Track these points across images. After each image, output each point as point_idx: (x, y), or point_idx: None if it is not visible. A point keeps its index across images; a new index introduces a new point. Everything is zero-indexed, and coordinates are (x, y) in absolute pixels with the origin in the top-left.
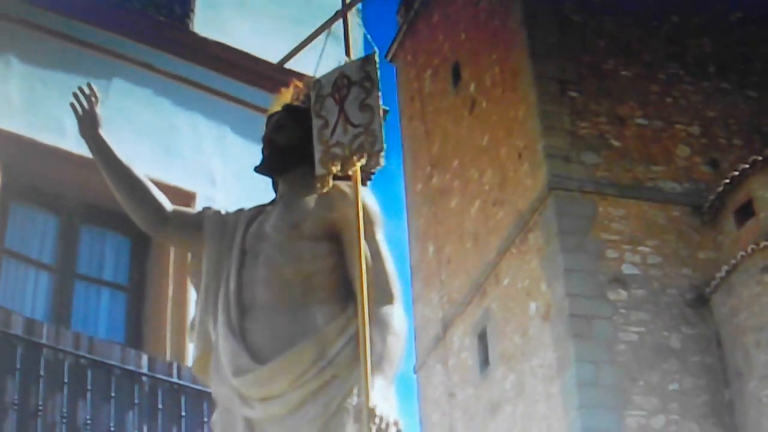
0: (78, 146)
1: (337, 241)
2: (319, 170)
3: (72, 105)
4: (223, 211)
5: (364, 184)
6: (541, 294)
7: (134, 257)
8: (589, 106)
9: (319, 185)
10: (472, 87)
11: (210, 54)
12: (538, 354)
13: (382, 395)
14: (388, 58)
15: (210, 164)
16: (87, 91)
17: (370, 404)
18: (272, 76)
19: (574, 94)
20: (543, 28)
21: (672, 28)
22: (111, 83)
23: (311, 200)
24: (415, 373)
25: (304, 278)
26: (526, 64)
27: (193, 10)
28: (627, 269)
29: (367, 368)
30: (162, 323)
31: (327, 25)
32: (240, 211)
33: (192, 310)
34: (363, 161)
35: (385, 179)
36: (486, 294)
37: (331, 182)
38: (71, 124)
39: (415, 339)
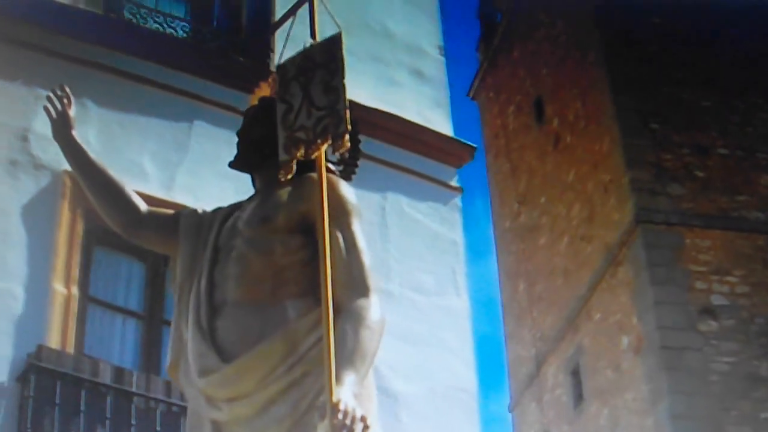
0: (160, 190)
1: (310, 233)
2: (282, 156)
3: (45, 108)
4: (200, 210)
5: (348, 179)
6: (632, 327)
7: None
8: (671, 137)
9: (282, 172)
10: (555, 122)
11: None
12: (632, 388)
13: (352, 390)
14: (471, 95)
15: None
16: (59, 92)
17: (334, 398)
18: (357, 116)
19: (655, 125)
20: (622, 61)
21: (748, 57)
22: (192, 126)
23: (284, 193)
24: (510, 411)
25: (276, 273)
26: (607, 97)
27: (272, 50)
28: (716, 300)
29: (330, 362)
30: None
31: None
32: (218, 209)
33: None
34: (327, 145)
35: (474, 218)
36: (578, 329)
37: (294, 169)
38: (152, 168)
39: (508, 377)
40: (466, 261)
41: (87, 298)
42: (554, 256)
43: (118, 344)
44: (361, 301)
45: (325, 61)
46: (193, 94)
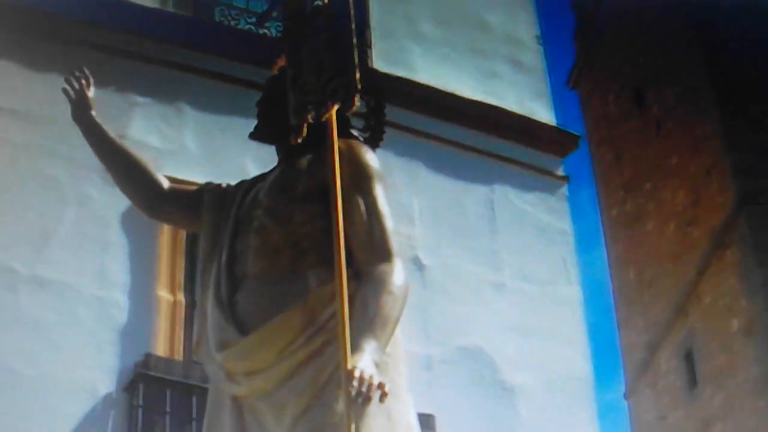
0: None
1: (327, 200)
2: (292, 120)
3: (64, 90)
4: (224, 184)
5: (374, 146)
6: (741, 310)
7: None
8: None
9: (292, 136)
10: (655, 108)
11: (394, 90)
12: (744, 370)
13: (372, 358)
14: (571, 85)
15: (405, 201)
16: (78, 74)
17: (350, 365)
18: (461, 109)
19: (755, 107)
20: (719, 43)
21: None
22: None
23: (305, 161)
24: (625, 399)
25: (295, 242)
26: (706, 80)
27: (370, 46)
28: None
29: (345, 330)
30: None
31: None
32: (242, 182)
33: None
34: (336, 106)
35: (579, 207)
36: (689, 314)
37: (305, 131)
38: (255, 169)
39: (622, 364)
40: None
41: (193, 304)
42: (662, 241)
43: None
44: (383, 266)
45: (334, 19)
46: None
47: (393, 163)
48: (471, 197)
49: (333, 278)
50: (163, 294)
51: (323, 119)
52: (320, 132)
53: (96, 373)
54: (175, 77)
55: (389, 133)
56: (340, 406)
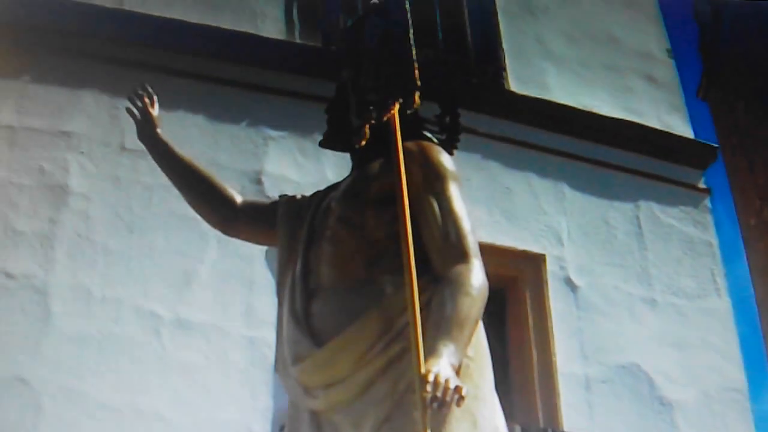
0: None
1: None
2: (354, 122)
3: (128, 109)
4: (298, 196)
5: (450, 150)
6: None
7: (491, 328)
8: None
9: (355, 139)
10: None
11: (531, 111)
12: None
13: (449, 361)
14: (701, 95)
15: (553, 223)
16: (141, 92)
17: (423, 370)
18: (600, 127)
19: None
20: None
21: None
22: None
23: (377, 165)
24: None
25: (369, 248)
26: None
27: (504, 68)
28: None
29: (417, 334)
30: (530, 394)
31: None
32: (316, 192)
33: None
34: (398, 105)
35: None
36: None
37: (368, 133)
38: None
39: None
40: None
41: None
42: None
43: None
44: (459, 267)
45: (390, 15)
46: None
47: (538, 185)
48: (617, 215)
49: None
50: None
51: (385, 119)
52: (382, 137)
53: (250, 415)
54: (309, 109)
55: (531, 155)
56: (433, 414)
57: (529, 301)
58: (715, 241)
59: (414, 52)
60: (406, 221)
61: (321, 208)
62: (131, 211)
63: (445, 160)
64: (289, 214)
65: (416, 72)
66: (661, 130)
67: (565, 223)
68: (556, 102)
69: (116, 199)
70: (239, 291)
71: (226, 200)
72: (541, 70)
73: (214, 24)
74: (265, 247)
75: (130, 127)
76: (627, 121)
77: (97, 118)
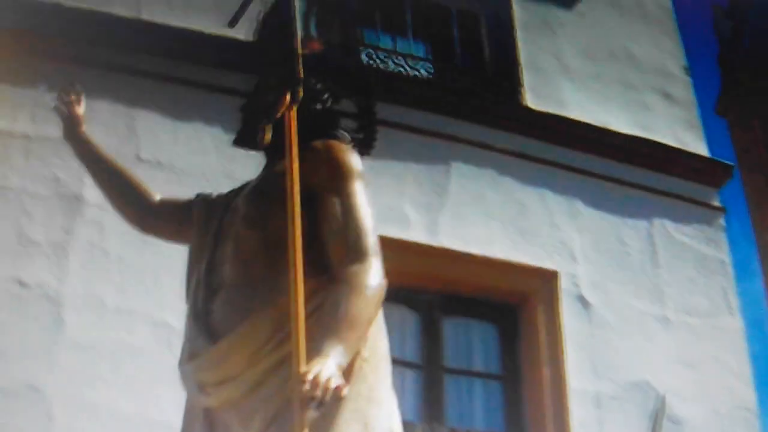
0: (425, 235)
1: (309, 203)
2: (260, 122)
3: (55, 107)
4: (214, 195)
5: (366, 150)
6: None
7: (504, 344)
8: None
9: (258, 138)
10: None
11: (547, 127)
12: None
13: (336, 361)
14: (719, 112)
15: (566, 240)
16: (68, 90)
17: (301, 369)
18: (615, 144)
19: None
20: None
21: None
22: (451, 167)
23: (283, 164)
24: None
25: (269, 247)
26: None
27: (521, 84)
28: None
29: (298, 332)
30: (541, 410)
31: None
32: (231, 191)
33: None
34: (287, 100)
35: (733, 238)
36: None
37: (269, 133)
38: (414, 213)
39: None
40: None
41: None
42: None
43: (399, 397)
44: (355, 267)
45: (278, 13)
46: (447, 135)
47: (552, 201)
48: (631, 232)
49: (306, 281)
50: None
51: (278, 116)
52: (301, 134)
53: None
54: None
55: (546, 171)
56: (311, 413)
57: (541, 318)
58: (728, 260)
59: (299, 44)
60: (295, 218)
61: (231, 207)
62: None
63: (351, 158)
64: (202, 213)
65: (299, 66)
66: (676, 148)
67: (578, 239)
68: (572, 118)
69: None
70: None
71: (144, 199)
72: (558, 86)
73: (231, 36)
74: None
75: (146, 138)
76: (642, 138)
77: (113, 128)
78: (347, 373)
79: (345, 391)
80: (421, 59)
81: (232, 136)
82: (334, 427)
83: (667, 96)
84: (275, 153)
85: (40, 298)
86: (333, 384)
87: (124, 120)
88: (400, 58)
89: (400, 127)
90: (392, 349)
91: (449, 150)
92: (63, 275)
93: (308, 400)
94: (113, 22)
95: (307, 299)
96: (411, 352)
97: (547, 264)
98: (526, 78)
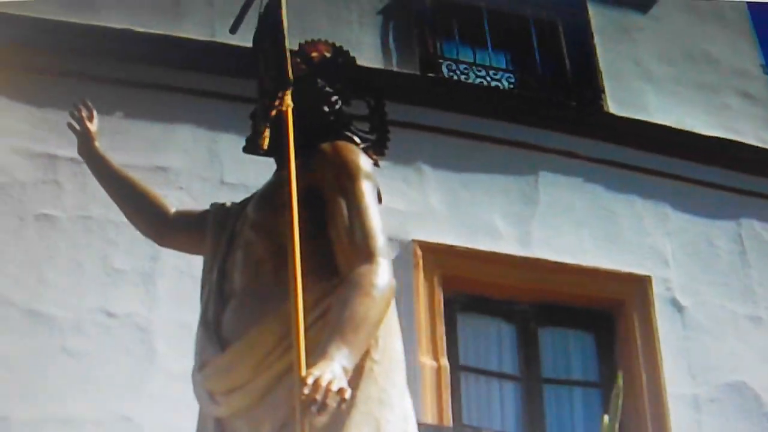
0: (517, 246)
1: (316, 206)
2: (258, 129)
3: (69, 124)
4: (229, 203)
5: (380, 151)
6: None
7: (600, 352)
8: None
9: (259, 143)
10: None
11: (631, 132)
12: None
13: (341, 364)
14: None
15: (657, 245)
16: (80, 106)
17: (303, 373)
18: (699, 146)
19: None
20: None
21: None
22: (538, 177)
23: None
24: None
25: (276, 253)
26: None
27: (603, 91)
28: None
29: (299, 337)
30: (640, 416)
31: None
32: (247, 198)
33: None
34: (277, 103)
35: None
36: None
37: (267, 137)
38: (505, 225)
39: None
40: None
41: (458, 368)
42: None
43: (497, 410)
44: (362, 268)
45: (268, 20)
46: (533, 145)
47: (640, 207)
48: (720, 233)
49: (314, 286)
50: (426, 360)
51: (272, 118)
52: (310, 138)
53: None
54: (411, 137)
55: (632, 177)
56: (320, 419)
57: (636, 323)
58: None
59: (287, 46)
60: (293, 221)
61: (242, 214)
62: None
63: (358, 159)
64: (216, 222)
65: (288, 67)
66: (758, 147)
67: (668, 244)
68: (655, 123)
69: None
70: None
71: (159, 211)
72: (639, 91)
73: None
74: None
75: (230, 161)
76: (725, 139)
77: (195, 153)
78: (356, 375)
79: (348, 394)
80: (501, 70)
81: None
82: (344, 430)
83: (747, 96)
84: (283, 157)
85: (129, 328)
86: (335, 387)
87: (206, 143)
88: (481, 69)
89: (486, 140)
90: (490, 363)
91: (536, 160)
92: (152, 304)
93: (309, 403)
94: (191, 47)
95: (315, 304)
96: (509, 365)
97: (638, 269)
98: (607, 84)
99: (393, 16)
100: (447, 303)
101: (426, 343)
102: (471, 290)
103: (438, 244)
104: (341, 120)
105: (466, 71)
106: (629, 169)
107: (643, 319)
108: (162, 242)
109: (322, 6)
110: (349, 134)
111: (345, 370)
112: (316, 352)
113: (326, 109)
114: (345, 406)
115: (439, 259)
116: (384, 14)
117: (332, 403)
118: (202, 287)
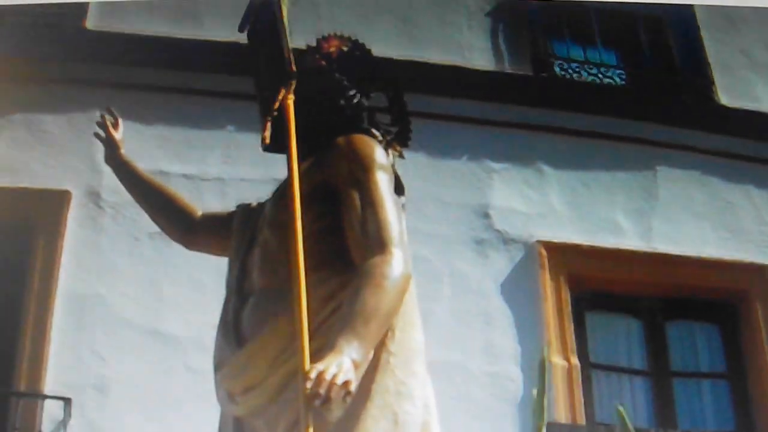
0: (640, 242)
1: (331, 201)
2: (260, 122)
3: (95, 134)
4: (254, 203)
5: (406, 142)
6: None
7: (726, 343)
8: None
9: (261, 137)
10: None
11: (745, 123)
12: None
13: (350, 357)
14: None
15: None
16: (106, 115)
17: (306, 367)
18: None
19: None
20: None
21: None
22: (657, 172)
23: (306, 163)
24: None
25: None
26: None
27: (713, 83)
28: None
29: (302, 330)
30: None
31: None
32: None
33: None
34: (281, 95)
35: None
36: None
37: (269, 132)
38: (627, 222)
39: None
40: None
41: (588, 365)
42: None
43: (629, 405)
44: (374, 260)
45: (268, 10)
46: (649, 141)
47: (757, 196)
48: None
49: (329, 280)
50: (557, 360)
51: (274, 111)
52: (328, 133)
53: None
54: (528, 138)
55: (748, 167)
56: (333, 415)
57: (760, 312)
58: None
59: (287, 40)
60: (295, 213)
61: (263, 213)
62: None
63: (372, 150)
64: (240, 222)
65: (290, 57)
66: None
67: None
68: (767, 113)
69: None
70: (476, 327)
71: (185, 216)
72: (748, 81)
73: (421, 59)
74: (499, 282)
75: None
76: None
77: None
78: (372, 367)
79: (353, 387)
80: (612, 67)
81: (437, 161)
82: (360, 424)
83: None
84: (299, 153)
85: None
86: (340, 380)
87: None
88: (592, 67)
89: (602, 137)
90: (619, 359)
91: (652, 155)
92: None
93: (313, 398)
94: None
95: (330, 298)
96: (638, 360)
97: (760, 259)
98: (716, 76)
99: (501, 18)
100: (574, 301)
101: (556, 342)
102: (597, 287)
103: (562, 243)
104: (359, 113)
105: (577, 70)
106: (744, 160)
107: (767, 308)
108: (189, 246)
109: (430, 10)
110: (367, 127)
111: (355, 362)
112: (327, 346)
113: (342, 102)
114: (360, 400)
115: (564, 259)
116: (492, 16)
117: (336, 396)
118: (227, 287)
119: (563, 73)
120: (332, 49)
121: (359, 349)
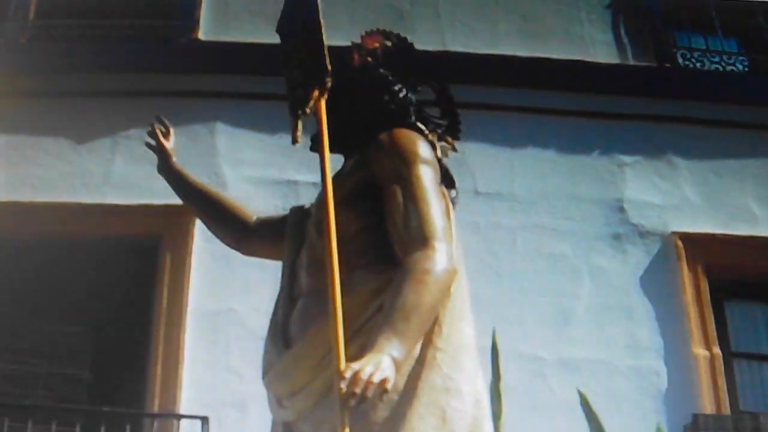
0: None
1: (376, 197)
2: (290, 120)
3: (147, 144)
4: (307, 205)
5: (456, 135)
6: None
7: None
8: None
9: (292, 136)
10: None
11: None
12: None
13: (390, 354)
14: None
15: None
16: (156, 124)
17: (342, 366)
18: None
19: None
20: None
21: None
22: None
23: (351, 162)
24: None
25: (340, 248)
26: None
27: None
28: None
29: (338, 328)
30: None
31: None
32: None
33: None
34: (316, 93)
35: None
36: None
37: (300, 129)
38: (760, 209)
39: None
40: None
41: (730, 354)
42: None
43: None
44: (416, 254)
45: (300, 7)
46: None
47: None
48: None
49: (374, 277)
50: (699, 351)
51: (310, 111)
52: (373, 129)
53: None
54: (657, 130)
55: None
56: (379, 415)
57: None
58: None
59: (324, 38)
60: (329, 212)
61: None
62: (496, 256)
63: (415, 145)
64: (292, 225)
65: (326, 55)
66: None
67: None
68: None
69: (478, 245)
70: (619, 322)
71: (239, 221)
72: None
73: (542, 55)
74: (638, 276)
75: (481, 171)
76: None
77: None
78: (418, 364)
79: (390, 385)
80: (734, 54)
81: (569, 156)
82: (406, 423)
83: None
84: (346, 153)
85: None
86: (377, 378)
87: (455, 154)
88: (714, 55)
89: (730, 125)
90: (761, 346)
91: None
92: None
93: (348, 397)
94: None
95: (374, 296)
96: None
97: None
98: None
99: (621, 10)
100: (713, 291)
101: (697, 333)
102: (734, 276)
103: (698, 233)
104: (405, 108)
105: (700, 59)
106: None
107: None
108: (245, 252)
109: (551, 6)
110: (413, 122)
111: (395, 360)
112: (368, 345)
113: (387, 98)
114: (407, 398)
115: (701, 249)
116: (612, 9)
117: (373, 395)
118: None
119: (686, 62)
120: (376, 45)
121: (399, 347)
